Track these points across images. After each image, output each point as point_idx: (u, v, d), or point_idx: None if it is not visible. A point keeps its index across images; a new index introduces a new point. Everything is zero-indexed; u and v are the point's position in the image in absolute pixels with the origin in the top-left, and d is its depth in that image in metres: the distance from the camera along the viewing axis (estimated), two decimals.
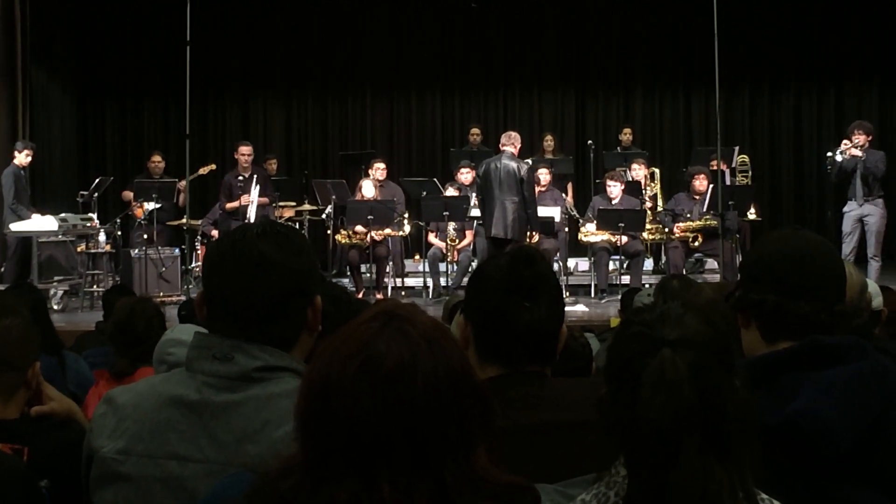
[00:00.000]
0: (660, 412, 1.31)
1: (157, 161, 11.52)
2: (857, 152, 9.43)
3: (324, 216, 10.81)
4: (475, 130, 12.67)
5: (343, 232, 10.29)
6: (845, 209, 9.72)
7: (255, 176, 10.71)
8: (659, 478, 1.30)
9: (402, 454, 1.15)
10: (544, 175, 10.61)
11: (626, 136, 12.78)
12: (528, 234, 9.37)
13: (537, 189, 10.00)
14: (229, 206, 10.79)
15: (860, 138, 9.50)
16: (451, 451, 1.17)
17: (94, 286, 9.91)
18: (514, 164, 9.14)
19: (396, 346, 1.18)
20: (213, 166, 11.50)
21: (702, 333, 1.38)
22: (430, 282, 10.37)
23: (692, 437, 1.30)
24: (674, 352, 1.35)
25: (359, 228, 10.09)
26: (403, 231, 10.41)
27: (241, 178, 10.83)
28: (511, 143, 9.33)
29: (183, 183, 10.55)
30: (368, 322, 1.22)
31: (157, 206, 10.35)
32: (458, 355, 1.23)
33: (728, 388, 1.35)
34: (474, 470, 1.18)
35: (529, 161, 10.84)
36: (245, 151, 10.99)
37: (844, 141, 9.58)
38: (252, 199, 10.41)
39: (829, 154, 9.69)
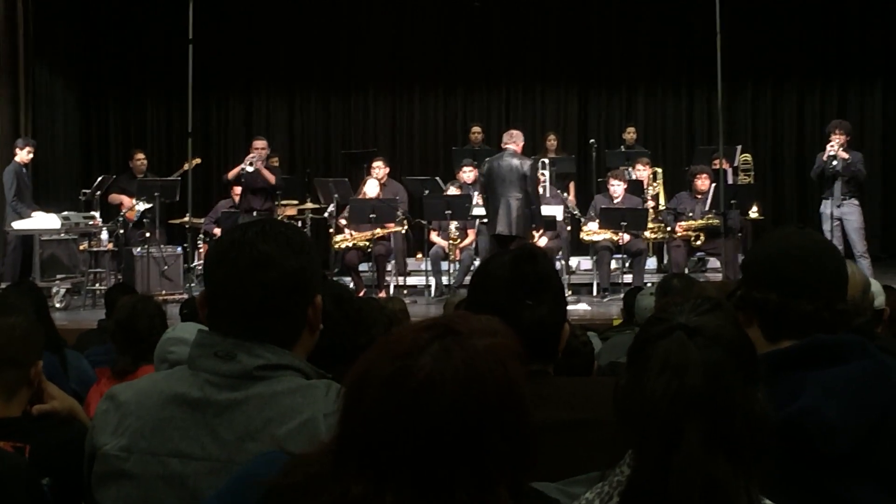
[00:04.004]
0: (662, 392, 1.32)
1: (141, 158, 11.31)
2: (846, 154, 9.45)
3: (326, 215, 10.78)
4: (476, 129, 12.64)
5: (340, 236, 10.23)
6: (822, 209, 9.75)
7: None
8: (661, 461, 1.30)
9: (411, 470, 1.13)
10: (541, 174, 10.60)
11: (630, 134, 12.71)
12: (532, 230, 9.38)
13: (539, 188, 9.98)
14: (231, 174, 10.77)
15: (840, 138, 9.51)
16: (462, 484, 1.13)
17: (97, 284, 9.92)
18: (516, 161, 9.14)
19: (436, 363, 1.15)
20: (199, 160, 11.27)
21: (724, 330, 1.38)
22: (432, 280, 10.37)
23: (694, 423, 1.30)
24: (689, 338, 1.35)
25: (355, 234, 10.07)
26: (401, 228, 10.40)
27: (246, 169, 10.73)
28: (513, 140, 9.32)
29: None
30: (423, 330, 1.19)
31: (149, 205, 10.32)
32: (504, 390, 1.16)
33: (742, 393, 1.34)
34: None
35: (545, 159, 10.88)
36: (259, 146, 10.78)
37: (831, 143, 9.54)
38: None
39: (832, 154, 9.62)
